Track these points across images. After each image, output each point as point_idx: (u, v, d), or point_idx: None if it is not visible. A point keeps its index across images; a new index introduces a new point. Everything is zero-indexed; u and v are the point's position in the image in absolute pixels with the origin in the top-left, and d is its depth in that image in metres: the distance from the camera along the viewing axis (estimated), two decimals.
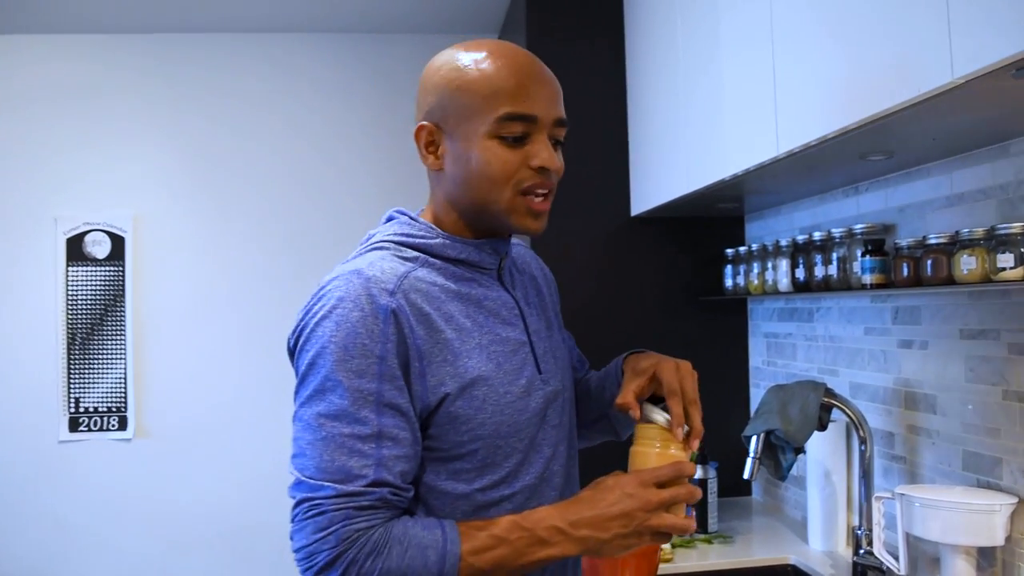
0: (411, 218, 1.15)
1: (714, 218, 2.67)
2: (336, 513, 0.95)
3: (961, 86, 1.09)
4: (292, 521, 0.99)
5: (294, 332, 1.06)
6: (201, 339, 3.38)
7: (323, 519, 0.95)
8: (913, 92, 1.16)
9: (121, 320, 3.33)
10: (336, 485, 0.96)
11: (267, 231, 3.44)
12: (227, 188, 3.43)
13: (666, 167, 2.29)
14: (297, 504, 0.98)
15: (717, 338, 2.67)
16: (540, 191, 1.09)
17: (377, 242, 1.12)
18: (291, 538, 0.99)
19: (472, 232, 1.13)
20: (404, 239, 1.11)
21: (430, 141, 1.10)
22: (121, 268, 3.34)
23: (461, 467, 1.06)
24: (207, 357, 3.38)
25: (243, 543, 3.30)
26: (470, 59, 1.08)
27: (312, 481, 0.97)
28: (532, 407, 1.10)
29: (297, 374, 1.04)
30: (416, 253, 1.09)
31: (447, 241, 1.11)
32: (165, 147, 3.40)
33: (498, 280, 1.16)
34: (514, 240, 1.23)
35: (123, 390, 3.32)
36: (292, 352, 1.07)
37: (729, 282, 2.46)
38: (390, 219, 1.18)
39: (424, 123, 1.10)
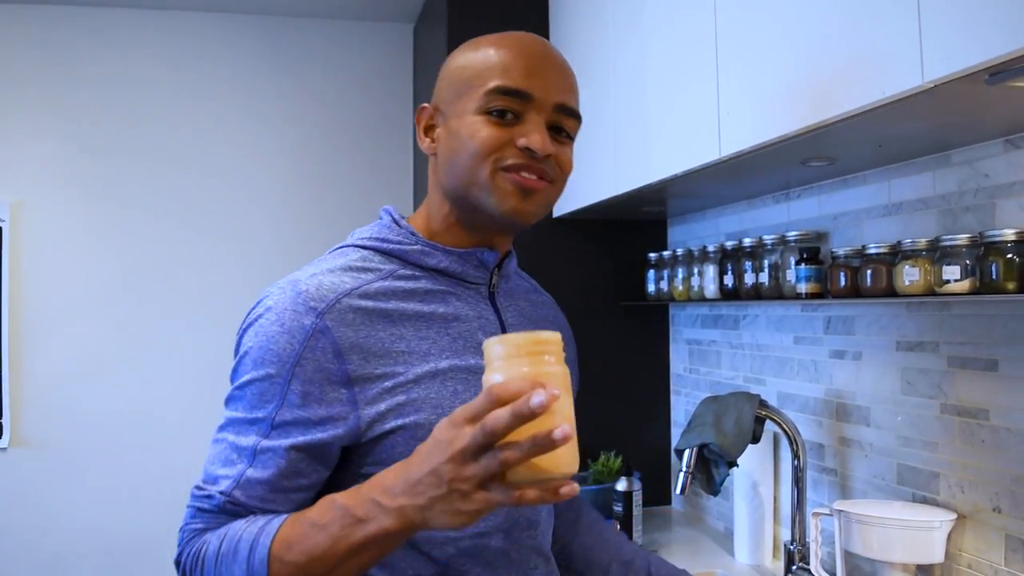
0: (393, 219, 1.06)
1: (637, 221, 2.61)
2: (188, 509, 0.95)
3: (930, 90, 1.04)
4: None
5: (237, 332, 1.01)
6: (89, 340, 3.12)
7: (185, 514, 0.95)
8: (878, 95, 1.10)
9: None
10: (199, 484, 0.95)
11: (164, 222, 3.21)
12: (121, 174, 3.18)
13: (591, 168, 2.21)
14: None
15: (638, 344, 2.61)
16: (526, 172, 0.97)
17: (349, 244, 1.05)
18: None
19: (462, 231, 1.04)
20: (379, 244, 1.03)
21: (429, 125, 1.05)
22: None
23: None
24: (95, 360, 3.13)
25: (131, 560, 3.07)
26: (483, 39, 1.04)
27: (198, 480, 0.97)
28: None
29: None
30: (387, 262, 1.01)
31: (426, 248, 1.02)
32: (51, 128, 3.13)
33: (488, 298, 1.06)
34: (524, 275, 1.19)
35: None
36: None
37: (652, 287, 2.41)
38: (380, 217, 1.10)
39: (426, 104, 1.06)
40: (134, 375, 3.14)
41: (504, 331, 1.05)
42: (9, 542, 3.01)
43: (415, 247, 1.02)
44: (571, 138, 1.04)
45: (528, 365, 0.74)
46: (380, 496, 0.80)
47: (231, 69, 3.29)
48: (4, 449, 3.04)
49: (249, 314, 0.98)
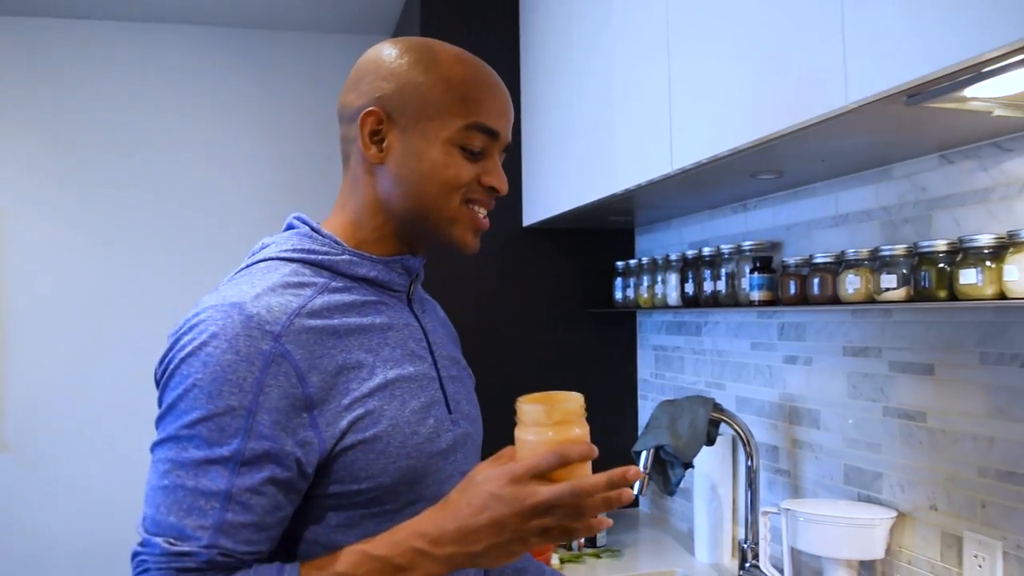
0: (312, 228, 1.02)
1: (606, 230, 2.67)
2: (158, 574, 0.83)
3: (854, 110, 1.10)
4: None
5: (161, 362, 0.92)
6: (72, 344, 3.17)
7: None
8: (807, 115, 1.17)
9: None
10: (165, 544, 0.83)
11: (144, 229, 3.26)
12: (100, 183, 3.24)
13: (559, 178, 2.27)
14: (132, 557, 0.87)
15: (606, 350, 2.68)
16: (484, 209, 1.04)
17: (269, 257, 0.99)
18: None
19: (393, 242, 1.04)
20: (307, 255, 0.99)
21: (376, 130, 1.00)
22: None
23: (357, 517, 0.93)
24: (78, 363, 3.17)
25: (112, 564, 3.10)
26: (445, 56, 1.01)
27: (146, 534, 0.85)
28: (440, 450, 0.99)
29: (159, 407, 0.91)
30: (318, 275, 0.98)
31: (354, 258, 1.00)
32: (32, 137, 3.18)
33: (407, 305, 1.07)
34: None
35: None
36: (158, 383, 0.93)
37: (619, 294, 2.47)
38: (290, 227, 1.05)
39: (374, 108, 0.99)
40: (116, 381, 3.18)
41: (427, 338, 1.06)
42: None
43: (343, 257, 0.99)
44: None
45: (562, 428, 0.87)
46: (425, 545, 0.84)
47: (209, 81, 3.34)
48: None
49: (180, 341, 0.89)
